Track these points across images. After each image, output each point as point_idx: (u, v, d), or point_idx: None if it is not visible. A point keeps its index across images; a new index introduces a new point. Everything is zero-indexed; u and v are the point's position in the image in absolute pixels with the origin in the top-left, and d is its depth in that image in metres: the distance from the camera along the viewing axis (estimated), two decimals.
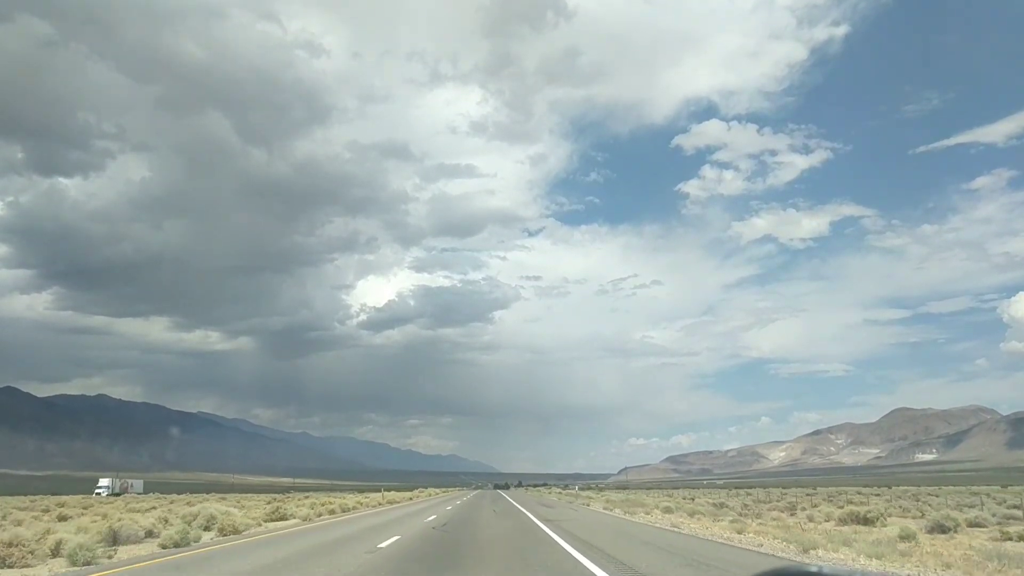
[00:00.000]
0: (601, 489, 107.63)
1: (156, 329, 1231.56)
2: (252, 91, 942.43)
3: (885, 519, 30.96)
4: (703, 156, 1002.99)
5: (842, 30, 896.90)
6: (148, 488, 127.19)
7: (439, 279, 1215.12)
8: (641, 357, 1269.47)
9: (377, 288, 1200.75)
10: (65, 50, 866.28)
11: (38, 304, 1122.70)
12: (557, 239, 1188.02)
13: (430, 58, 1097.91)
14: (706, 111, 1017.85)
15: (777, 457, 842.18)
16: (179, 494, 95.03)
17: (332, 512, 39.59)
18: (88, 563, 15.67)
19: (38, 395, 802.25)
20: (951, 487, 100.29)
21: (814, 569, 2.19)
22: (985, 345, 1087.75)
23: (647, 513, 34.23)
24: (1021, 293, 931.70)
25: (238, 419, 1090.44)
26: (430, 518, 31.82)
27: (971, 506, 42.39)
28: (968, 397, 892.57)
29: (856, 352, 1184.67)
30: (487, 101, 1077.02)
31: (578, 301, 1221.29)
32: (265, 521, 30.63)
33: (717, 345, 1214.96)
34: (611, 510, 39.95)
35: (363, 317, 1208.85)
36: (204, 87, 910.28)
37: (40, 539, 17.45)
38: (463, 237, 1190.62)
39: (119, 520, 22.80)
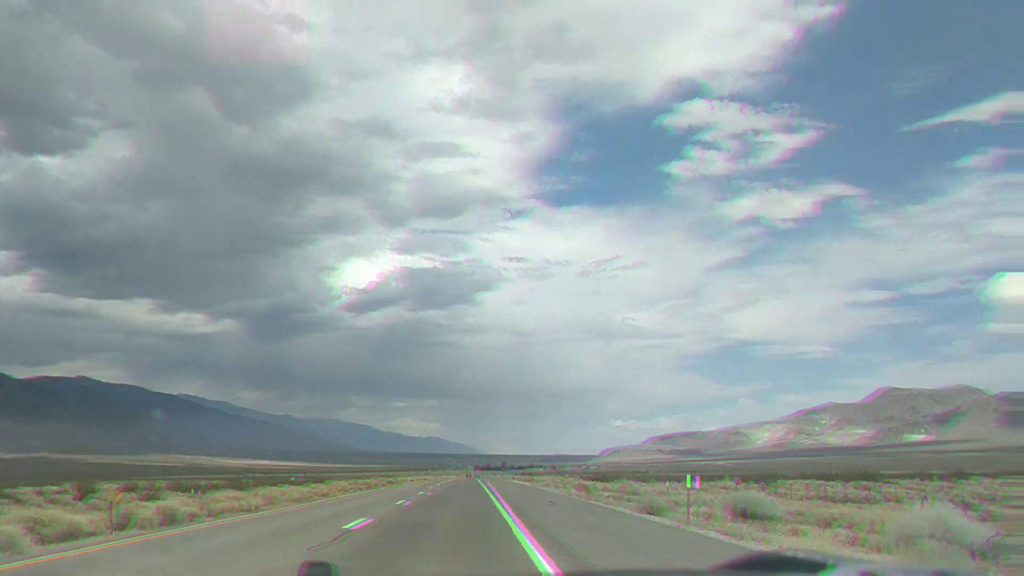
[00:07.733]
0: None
1: (139, 311, 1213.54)
2: (233, 66, 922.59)
3: None
4: (688, 136, 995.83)
5: (831, 9, 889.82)
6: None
7: (422, 261, 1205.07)
8: (624, 339, 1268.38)
9: (361, 270, 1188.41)
10: (39, 21, 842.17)
11: (19, 286, 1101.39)
12: (541, 220, 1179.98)
13: (414, 32, 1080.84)
14: (692, 90, 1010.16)
15: (763, 438, 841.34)
16: (162, 477, 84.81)
17: None
18: None
19: (18, 377, 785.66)
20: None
21: (790, 554, 2.15)
22: (966, 327, 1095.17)
23: None
24: (1003, 274, 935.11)
25: (221, 402, 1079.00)
26: None
27: None
28: (950, 379, 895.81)
29: (838, 334, 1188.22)
30: (472, 78, 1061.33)
31: (562, 283, 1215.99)
32: None
33: (700, 327, 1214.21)
34: None
35: (346, 299, 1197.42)
36: (184, 61, 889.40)
37: None
38: (447, 218, 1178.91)
39: None
